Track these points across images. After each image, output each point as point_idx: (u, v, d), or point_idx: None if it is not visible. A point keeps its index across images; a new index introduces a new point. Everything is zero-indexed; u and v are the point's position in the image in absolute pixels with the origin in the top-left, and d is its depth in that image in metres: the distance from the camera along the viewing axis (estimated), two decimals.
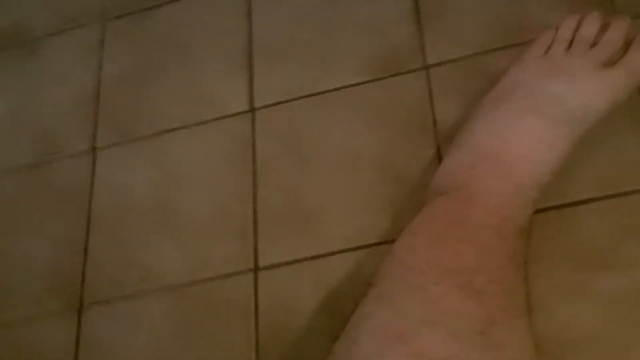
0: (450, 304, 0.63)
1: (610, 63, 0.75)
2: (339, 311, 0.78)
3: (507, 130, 0.73)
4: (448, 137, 0.81)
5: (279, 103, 0.92)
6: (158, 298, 0.86)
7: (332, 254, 0.82)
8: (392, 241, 0.77)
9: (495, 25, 0.87)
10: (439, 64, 0.87)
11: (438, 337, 0.61)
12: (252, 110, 0.93)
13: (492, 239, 0.68)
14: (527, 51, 0.78)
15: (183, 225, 0.89)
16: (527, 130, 0.73)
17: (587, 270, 0.72)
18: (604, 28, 0.77)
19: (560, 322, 0.71)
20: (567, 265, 0.73)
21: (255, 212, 0.87)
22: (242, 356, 0.80)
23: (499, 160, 0.72)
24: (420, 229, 0.71)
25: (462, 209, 0.70)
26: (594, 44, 0.76)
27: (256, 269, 0.84)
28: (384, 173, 0.84)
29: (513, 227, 0.70)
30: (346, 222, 0.83)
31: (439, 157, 0.82)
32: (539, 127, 0.72)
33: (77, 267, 0.90)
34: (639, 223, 0.73)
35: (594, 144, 0.76)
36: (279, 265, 0.83)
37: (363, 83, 0.89)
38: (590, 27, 0.77)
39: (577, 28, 0.78)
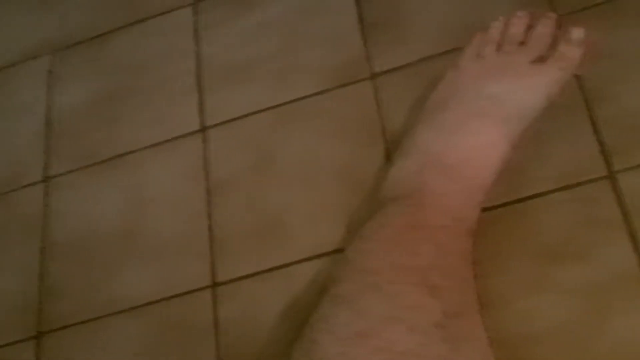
0: (407, 301, 0.63)
1: (541, 59, 0.76)
2: (303, 320, 0.78)
3: (450, 135, 0.74)
4: (397, 144, 0.82)
5: (233, 120, 0.92)
6: (121, 320, 0.85)
7: (293, 263, 0.82)
8: None
9: (440, 30, 0.88)
10: (385, 72, 0.88)
11: (398, 332, 0.61)
12: (204, 129, 0.93)
13: (445, 239, 0.69)
14: (460, 56, 0.79)
15: (144, 247, 0.88)
16: (470, 133, 0.74)
17: (544, 263, 0.73)
18: (531, 25, 0.79)
19: (519, 316, 0.71)
20: (524, 259, 0.73)
21: (210, 229, 0.86)
22: None
23: (445, 165, 0.73)
24: (373, 233, 0.71)
25: (415, 212, 0.71)
26: (523, 42, 0.77)
27: (214, 285, 0.83)
28: (341, 182, 0.84)
29: (463, 227, 0.71)
30: (305, 232, 0.83)
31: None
32: (481, 129, 0.74)
33: (34, 295, 0.89)
34: (592, 213, 0.74)
35: (543, 139, 0.77)
36: (238, 279, 0.83)
37: (315, 95, 0.90)
38: (517, 25, 0.79)
39: (505, 28, 0.79)
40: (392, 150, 0.83)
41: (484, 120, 0.74)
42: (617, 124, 0.77)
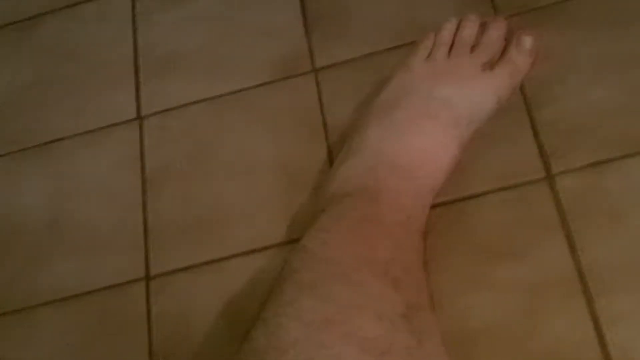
0: (372, 290, 0.64)
1: (492, 63, 0.77)
2: (237, 315, 0.77)
3: (402, 135, 0.74)
4: (339, 139, 0.82)
5: (170, 109, 0.90)
6: (50, 311, 0.82)
7: (229, 257, 0.81)
8: (290, 242, 0.77)
9: (384, 26, 0.89)
10: (327, 67, 0.88)
11: (366, 319, 0.61)
12: (140, 117, 0.91)
13: (401, 235, 0.70)
14: (410, 56, 0.80)
15: (73, 237, 0.86)
16: (422, 135, 0.74)
17: (483, 262, 0.73)
18: (482, 29, 0.80)
19: (460, 314, 0.71)
20: (463, 257, 0.74)
21: (145, 220, 0.84)
22: None
23: (398, 164, 0.73)
24: (330, 225, 0.71)
25: (370, 207, 0.71)
26: (474, 46, 0.78)
27: (148, 278, 0.81)
28: (280, 175, 0.83)
29: (416, 226, 0.72)
30: (242, 226, 0.82)
31: (330, 159, 0.82)
32: (433, 131, 0.74)
33: None
34: (530, 214, 0.75)
35: (484, 139, 0.78)
36: (173, 272, 0.81)
37: (256, 87, 0.89)
38: (469, 29, 0.80)
39: (457, 31, 0.80)
40: (333, 145, 0.82)
41: (435, 122, 0.74)
42: (555, 127, 0.78)
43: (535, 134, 0.78)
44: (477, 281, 0.73)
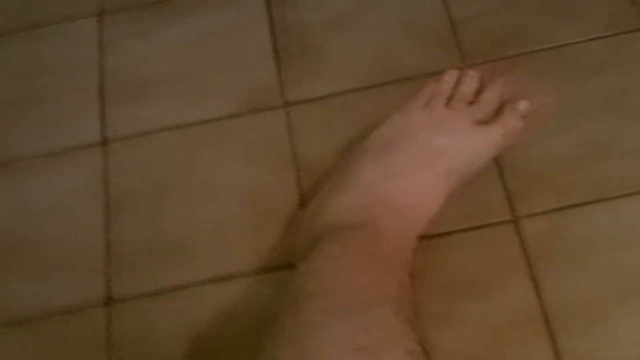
0: (396, 325, 0.64)
1: (485, 121, 0.79)
2: (201, 344, 0.77)
3: (398, 179, 0.76)
4: (309, 173, 0.84)
5: (136, 135, 0.90)
6: (4, 334, 0.80)
7: (194, 285, 0.80)
8: (259, 272, 0.78)
9: (356, 66, 0.90)
10: (298, 102, 0.89)
11: (398, 355, 0.61)
12: (105, 141, 0.90)
13: (403, 276, 0.70)
14: (409, 101, 0.82)
15: (31, 259, 0.84)
16: (416, 181, 0.76)
17: (450, 299, 0.75)
18: (480, 86, 0.82)
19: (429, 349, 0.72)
20: (430, 294, 0.75)
21: (107, 243, 0.83)
22: None
23: (392, 206, 0.75)
24: (339, 254, 0.71)
25: (374, 244, 0.71)
26: (471, 102, 0.81)
27: (109, 302, 0.80)
28: (248, 205, 0.84)
29: (409, 269, 0.73)
30: (208, 254, 0.82)
31: (299, 192, 0.83)
32: (426, 179, 0.77)
33: None
34: (496, 254, 0.77)
35: None
36: (135, 296, 0.80)
37: (225, 118, 0.89)
38: (469, 85, 0.83)
39: (457, 84, 0.82)
40: (303, 177, 0.83)
41: (429, 170, 0.76)
42: (520, 172, 0.81)
43: (502, 178, 0.80)
44: (442, 318, 0.74)
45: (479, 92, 0.82)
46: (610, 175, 0.79)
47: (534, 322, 0.73)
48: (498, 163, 0.81)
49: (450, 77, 0.83)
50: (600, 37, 0.88)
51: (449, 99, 0.81)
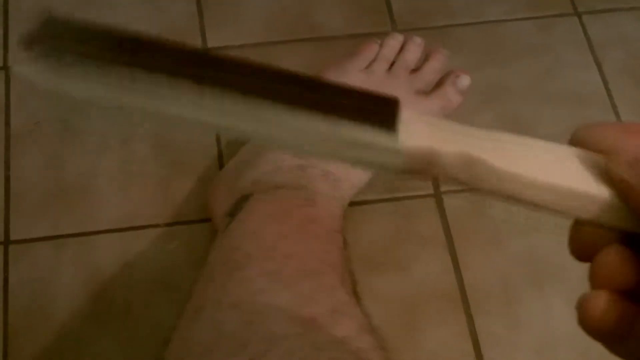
0: (342, 297, 0.60)
1: (425, 91, 0.78)
2: (101, 293, 0.73)
3: None
4: None
5: None
6: None
7: (97, 233, 0.76)
8: (168, 225, 0.74)
9: (274, 19, 0.87)
10: (218, 48, 0.85)
11: (349, 328, 0.58)
12: (6, 67, 0.83)
13: (342, 244, 0.68)
14: (348, 60, 0.78)
15: None
16: None
17: (365, 271, 0.74)
18: (424, 56, 0.80)
19: None
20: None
21: (7, 180, 0.78)
22: None
23: (327, 171, 0.71)
24: (279, 216, 0.67)
25: (311, 208, 0.68)
26: (413, 70, 0.79)
27: (7, 242, 0.75)
28: (159, 154, 0.79)
29: (343, 237, 0.70)
30: (115, 201, 0.77)
31: (218, 144, 0.80)
32: None
33: None
34: (418, 226, 0.76)
35: None
36: (35, 239, 0.75)
37: None
38: (414, 53, 0.79)
39: (401, 49, 0.80)
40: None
41: None
42: None
43: None
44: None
45: (421, 60, 0.81)
46: None
47: (450, 299, 0.73)
48: None
49: (394, 41, 0.80)
50: (527, 18, 0.89)
51: (391, 64, 0.79)
